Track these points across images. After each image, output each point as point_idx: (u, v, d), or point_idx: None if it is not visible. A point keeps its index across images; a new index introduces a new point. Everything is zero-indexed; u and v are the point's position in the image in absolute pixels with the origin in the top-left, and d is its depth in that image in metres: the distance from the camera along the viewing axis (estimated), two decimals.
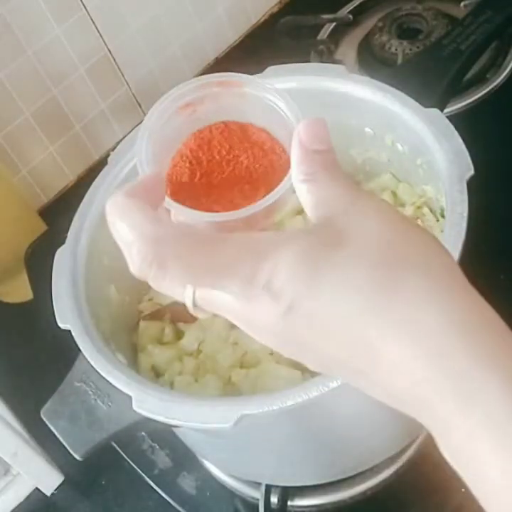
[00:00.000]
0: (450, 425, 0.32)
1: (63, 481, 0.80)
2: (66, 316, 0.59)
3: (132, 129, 0.70)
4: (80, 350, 0.57)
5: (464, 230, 0.53)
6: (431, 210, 0.68)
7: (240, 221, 0.40)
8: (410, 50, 0.96)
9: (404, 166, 0.69)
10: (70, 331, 0.58)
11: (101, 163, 0.69)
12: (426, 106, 0.62)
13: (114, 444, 0.78)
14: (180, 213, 0.41)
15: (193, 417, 0.51)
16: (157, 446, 0.79)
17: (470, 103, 0.93)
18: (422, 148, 0.61)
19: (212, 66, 1.13)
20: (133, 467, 0.78)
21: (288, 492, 0.69)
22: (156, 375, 0.67)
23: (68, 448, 0.54)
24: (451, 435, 0.32)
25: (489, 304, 0.36)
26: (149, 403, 0.52)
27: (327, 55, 1.03)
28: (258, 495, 0.69)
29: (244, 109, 0.44)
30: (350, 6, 1.08)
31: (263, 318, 0.34)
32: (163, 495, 0.76)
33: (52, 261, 0.63)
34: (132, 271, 0.36)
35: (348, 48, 1.04)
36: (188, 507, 0.75)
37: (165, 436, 0.78)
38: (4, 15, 0.88)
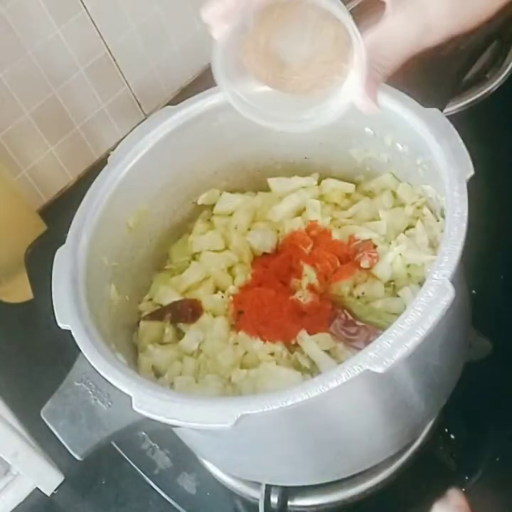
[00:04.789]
0: None
1: (63, 481, 0.80)
2: (66, 316, 0.59)
3: (132, 129, 0.70)
4: (80, 350, 0.57)
5: (464, 230, 0.53)
6: (431, 210, 0.68)
7: None
8: None
9: (404, 166, 0.69)
10: (70, 331, 0.58)
11: (101, 163, 0.70)
12: (426, 106, 0.62)
13: (114, 444, 0.78)
14: None
15: (193, 417, 0.51)
16: (157, 446, 0.79)
17: (470, 103, 0.93)
18: (422, 148, 0.61)
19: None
20: (133, 467, 0.78)
21: (288, 492, 0.69)
22: (156, 375, 0.67)
23: (68, 448, 0.54)
24: None
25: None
26: (149, 403, 0.52)
27: None
28: (258, 495, 0.69)
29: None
30: (350, 6, 1.08)
31: None
32: (163, 495, 0.76)
33: (52, 261, 0.63)
34: None
35: None
36: (188, 507, 0.75)
37: (165, 436, 0.78)
38: (4, 15, 0.88)
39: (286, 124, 0.54)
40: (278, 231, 0.73)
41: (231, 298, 0.69)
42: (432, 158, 0.59)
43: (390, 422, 0.61)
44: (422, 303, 0.50)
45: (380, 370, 0.48)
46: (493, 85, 0.94)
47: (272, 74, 0.54)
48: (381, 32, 0.50)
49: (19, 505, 0.80)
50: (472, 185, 0.55)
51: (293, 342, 0.65)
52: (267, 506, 0.69)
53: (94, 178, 0.68)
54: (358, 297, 0.66)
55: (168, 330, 0.69)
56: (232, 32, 0.50)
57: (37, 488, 0.80)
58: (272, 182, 0.76)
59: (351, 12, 1.14)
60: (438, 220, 0.66)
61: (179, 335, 0.69)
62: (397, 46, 0.50)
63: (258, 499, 0.69)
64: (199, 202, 0.77)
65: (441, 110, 0.62)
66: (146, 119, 0.71)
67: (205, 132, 0.72)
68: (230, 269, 0.72)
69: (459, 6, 0.49)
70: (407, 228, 0.69)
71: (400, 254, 0.66)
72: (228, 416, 0.49)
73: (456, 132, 0.59)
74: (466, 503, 0.53)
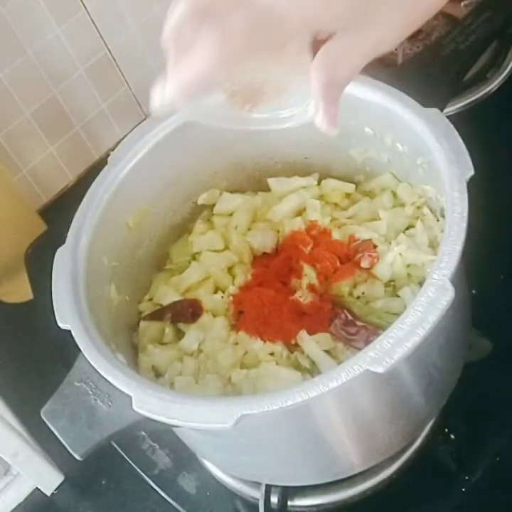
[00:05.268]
0: None
1: (63, 481, 0.80)
2: (66, 316, 0.59)
3: (132, 129, 0.70)
4: (80, 350, 0.57)
5: (464, 230, 0.53)
6: (431, 210, 0.68)
7: None
8: (410, 50, 0.96)
9: (404, 166, 0.69)
10: (70, 331, 0.58)
11: (101, 163, 0.70)
12: (426, 106, 0.62)
13: (114, 444, 0.78)
14: None
15: (193, 417, 0.51)
16: (157, 446, 0.79)
17: (470, 103, 0.93)
18: (422, 148, 0.61)
19: None
20: (133, 467, 0.78)
21: (288, 492, 0.69)
22: (156, 375, 0.67)
23: (68, 448, 0.54)
24: None
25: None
26: (149, 403, 0.52)
27: None
28: (258, 495, 0.69)
29: None
30: None
31: None
32: (163, 495, 0.76)
33: (52, 261, 0.63)
34: None
35: None
36: (188, 507, 0.75)
37: (165, 436, 0.78)
38: (4, 15, 0.88)
39: (263, 123, 0.51)
40: (278, 231, 0.73)
41: (231, 298, 0.69)
42: (432, 158, 0.59)
43: (390, 421, 0.61)
44: (422, 303, 0.50)
45: (380, 370, 0.48)
46: (493, 85, 0.94)
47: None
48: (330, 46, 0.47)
49: (19, 505, 0.80)
50: (472, 185, 0.55)
51: (293, 342, 0.65)
52: (267, 506, 0.69)
53: (94, 178, 0.68)
54: (358, 297, 0.66)
55: (168, 330, 0.69)
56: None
57: (37, 488, 0.80)
58: (271, 182, 0.76)
59: None
60: (438, 220, 0.66)
61: (179, 335, 0.69)
62: (351, 59, 0.47)
63: (258, 499, 0.69)
64: (199, 202, 0.77)
65: (441, 110, 0.62)
66: (146, 119, 0.71)
67: (205, 132, 0.72)
68: (230, 269, 0.72)
69: (410, 15, 0.47)
70: (407, 228, 0.69)
71: (400, 254, 0.66)
72: (228, 416, 0.49)
73: (456, 132, 0.59)
74: None
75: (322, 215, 0.72)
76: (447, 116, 0.60)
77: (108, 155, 0.69)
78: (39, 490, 0.80)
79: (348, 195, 0.75)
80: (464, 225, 0.53)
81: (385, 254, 0.67)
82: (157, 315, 0.70)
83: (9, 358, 0.89)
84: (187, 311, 0.69)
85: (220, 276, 0.71)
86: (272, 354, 0.64)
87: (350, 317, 0.64)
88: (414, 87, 0.64)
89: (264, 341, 0.65)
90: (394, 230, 0.69)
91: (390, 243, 0.68)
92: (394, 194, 0.72)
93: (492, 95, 0.94)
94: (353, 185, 0.75)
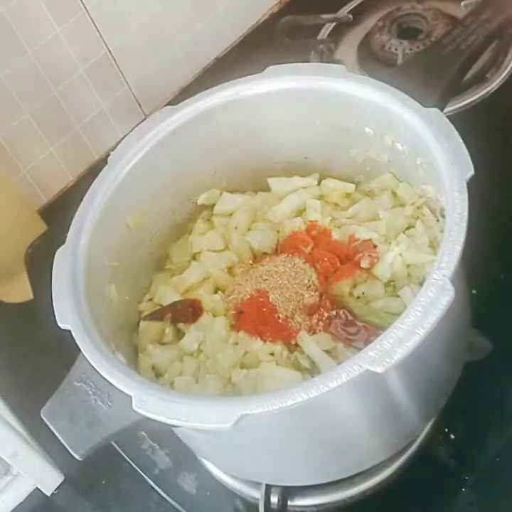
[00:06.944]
0: None
1: (63, 481, 0.80)
2: (66, 316, 0.59)
3: (132, 129, 0.70)
4: (80, 350, 0.57)
5: (464, 230, 0.53)
6: (431, 210, 0.68)
7: None
8: (410, 50, 0.96)
9: (404, 166, 0.69)
10: (70, 331, 0.58)
11: (101, 163, 0.70)
12: (426, 106, 0.62)
13: (114, 444, 0.78)
14: None
15: (193, 417, 0.51)
16: (157, 446, 0.79)
17: (470, 103, 0.93)
18: (422, 148, 0.61)
19: (212, 66, 1.13)
20: (133, 467, 0.78)
21: (288, 492, 0.69)
22: (156, 375, 0.67)
23: (68, 448, 0.54)
24: None
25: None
26: (149, 403, 0.52)
27: (327, 55, 1.03)
28: (258, 495, 0.69)
29: None
30: (350, 6, 1.08)
31: None
32: (163, 495, 0.76)
33: (52, 261, 0.63)
34: None
35: (348, 48, 1.04)
36: (188, 507, 0.75)
37: (165, 436, 0.78)
38: (4, 15, 0.88)
39: None
40: (278, 231, 0.73)
41: (231, 297, 0.69)
42: (431, 158, 0.60)
43: (390, 421, 0.61)
44: (422, 303, 0.50)
45: (380, 370, 0.48)
46: (493, 85, 0.94)
47: None
48: None
49: (19, 505, 0.80)
50: (472, 185, 0.55)
51: (293, 342, 0.65)
52: (267, 506, 0.68)
53: (94, 178, 0.68)
54: (358, 297, 0.66)
55: (168, 330, 0.69)
56: None
57: (37, 488, 0.80)
58: (272, 182, 0.76)
59: (351, 12, 1.14)
60: (438, 220, 0.67)
61: (179, 335, 0.69)
62: None
63: (258, 499, 0.69)
64: (199, 202, 0.77)
65: (441, 110, 0.62)
66: (146, 119, 0.71)
67: (205, 132, 0.72)
68: (230, 269, 0.72)
69: None
70: (407, 228, 0.69)
71: (400, 254, 0.66)
72: (228, 416, 0.49)
73: (456, 132, 0.59)
74: None
75: (322, 215, 0.72)
76: (447, 116, 0.60)
77: (108, 155, 0.69)
78: (39, 490, 0.80)
79: (348, 195, 0.75)
80: (464, 225, 0.53)
81: (385, 254, 0.67)
82: (157, 315, 0.70)
83: (9, 358, 0.89)
84: (187, 311, 0.69)
85: (220, 276, 0.71)
86: (272, 354, 0.64)
87: (350, 317, 0.64)
88: (414, 87, 0.64)
89: (264, 341, 0.65)
90: (394, 230, 0.69)
91: (390, 243, 0.68)
92: (394, 194, 0.72)
93: (492, 95, 0.94)
94: (353, 185, 0.75)
